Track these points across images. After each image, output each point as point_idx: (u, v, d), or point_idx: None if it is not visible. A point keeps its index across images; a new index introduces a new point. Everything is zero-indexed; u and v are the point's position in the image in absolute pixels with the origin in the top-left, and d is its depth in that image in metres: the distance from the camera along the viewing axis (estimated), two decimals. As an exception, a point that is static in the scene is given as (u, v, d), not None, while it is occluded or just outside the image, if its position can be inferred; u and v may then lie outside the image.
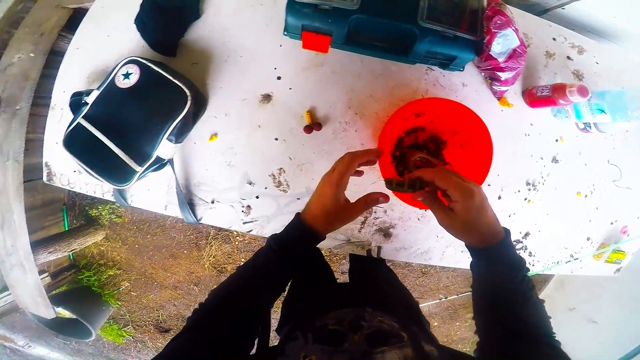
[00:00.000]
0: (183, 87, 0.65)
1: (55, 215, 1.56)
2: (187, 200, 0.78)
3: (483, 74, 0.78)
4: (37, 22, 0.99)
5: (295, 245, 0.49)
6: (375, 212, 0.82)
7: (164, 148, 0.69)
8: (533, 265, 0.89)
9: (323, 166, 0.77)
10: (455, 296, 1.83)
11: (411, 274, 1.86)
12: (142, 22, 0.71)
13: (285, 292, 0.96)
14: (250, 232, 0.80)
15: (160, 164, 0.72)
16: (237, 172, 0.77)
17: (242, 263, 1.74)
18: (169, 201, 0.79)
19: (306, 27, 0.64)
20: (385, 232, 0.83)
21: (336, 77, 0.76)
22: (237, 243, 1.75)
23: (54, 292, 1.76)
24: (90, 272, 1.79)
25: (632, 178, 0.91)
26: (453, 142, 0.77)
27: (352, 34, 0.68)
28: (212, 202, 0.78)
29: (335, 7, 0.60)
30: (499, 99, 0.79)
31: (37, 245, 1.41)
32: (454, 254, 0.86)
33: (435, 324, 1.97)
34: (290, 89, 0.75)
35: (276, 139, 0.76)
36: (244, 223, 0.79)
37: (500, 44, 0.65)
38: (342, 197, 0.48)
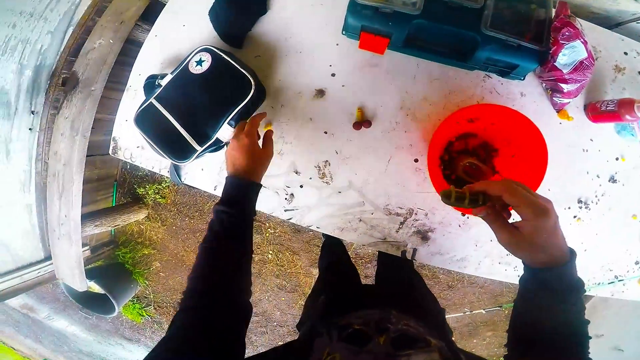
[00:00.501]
0: (248, 76, 0.70)
1: (106, 191, 1.69)
2: (236, 183, 0.82)
3: (544, 84, 0.76)
4: (118, 10, 1.10)
5: (241, 196, 0.56)
6: (416, 213, 0.82)
7: (224, 131, 0.74)
8: None
9: (368, 162, 0.79)
10: (481, 311, 1.74)
11: (437, 285, 1.81)
12: (215, 14, 0.78)
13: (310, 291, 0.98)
14: (290, 220, 0.83)
15: (218, 145, 0.77)
16: (285, 161, 0.80)
17: (271, 258, 1.79)
18: (219, 182, 0.84)
19: (365, 28, 0.66)
20: (424, 235, 0.83)
21: (390, 78, 0.78)
22: (267, 235, 1.80)
23: (90, 266, 1.88)
24: (127, 249, 1.91)
25: None
26: (505, 151, 0.76)
27: (412, 38, 0.69)
28: (259, 187, 0.82)
29: (397, 11, 0.62)
30: (558, 111, 0.77)
31: (86, 218, 1.52)
32: (490, 265, 0.83)
33: (453, 338, 1.88)
34: (343, 86, 0.78)
35: (325, 133, 0.79)
36: (285, 210, 0.82)
37: (567, 56, 0.63)
38: (257, 142, 0.61)
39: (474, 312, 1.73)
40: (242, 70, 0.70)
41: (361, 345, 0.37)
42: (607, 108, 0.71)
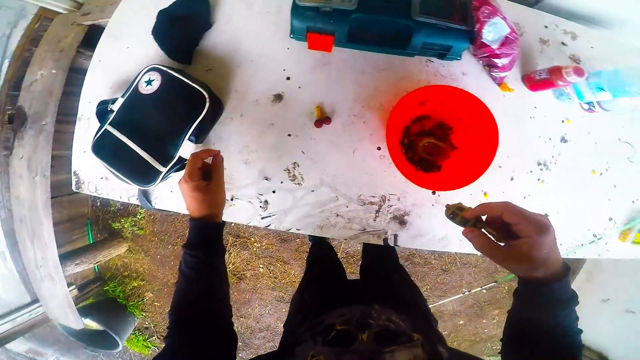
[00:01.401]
0: (201, 90, 0.70)
1: (81, 230, 1.63)
2: (208, 199, 0.82)
3: (481, 62, 0.81)
4: (55, 39, 1.06)
5: (200, 238, 0.56)
6: (389, 199, 0.84)
7: (186, 149, 0.74)
8: None
9: (334, 157, 0.80)
10: (479, 289, 1.78)
11: (431, 271, 1.85)
12: (159, 33, 0.78)
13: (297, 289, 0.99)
14: (269, 227, 0.83)
15: (182, 164, 0.77)
16: (253, 169, 0.81)
17: (263, 272, 1.78)
18: (191, 202, 0.83)
19: (310, 29, 0.69)
20: (401, 220, 0.85)
21: (342, 74, 0.81)
22: (255, 249, 1.79)
23: (82, 304, 1.83)
24: (115, 284, 1.85)
25: None
26: (459, 127, 0.79)
27: (353, 32, 0.72)
28: (232, 199, 0.82)
29: (336, 8, 0.65)
30: (499, 84, 0.82)
31: (65, 258, 1.47)
32: None
33: (462, 322, 1.93)
34: (299, 87, 0.80)
35: (289, 135, 0.80)
36: (262, 218, 0.82)
37: (492, 32, 0.68)
38: (200, 184, 0.57)
39: (472, 291, 1.77)
40: (193, 85, 0.70)
41: (345, 346, 0.37)
42: (541, 77, 0.77)
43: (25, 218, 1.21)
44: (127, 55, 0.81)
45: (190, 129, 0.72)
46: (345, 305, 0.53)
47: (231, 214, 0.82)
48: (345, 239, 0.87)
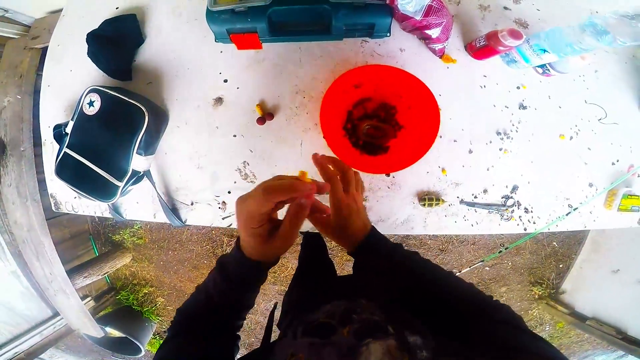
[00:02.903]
0: (138, 105, 0.75)
1: (85, 245, 1.78)
2: (170, 206, 0.88)
3: (415, 36, 0.80)
4: (12, 64, 1.10)
5: (240, 280, 0.46)
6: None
7: (137, 161, 0.80)
8: (534, 223, 0.85)
9: (283, 152, 0.83)
10: (480, 263, 1.75)
11: (429, 252, 1.84)
12: (94, 55, 0.83)
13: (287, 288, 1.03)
14: (231, 226, 0.88)
15: (137, 176, 0.83)
16: (206, 173, 0.85)
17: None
18: (156, 209, 0.89)
19: (231, 31, 0.71)
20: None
21: (279, 68, 0.83)
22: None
23: (101, 313, 2.00)
24: (127, 292, 2.00)
25: (618, 115, 0.86)
26: (401, 105, 0.79)
27: (275, 26, 0.74)
28: (192, 204, 0.88)
29: (251, 7, 0.67)
30: (440, 56, 0.80)
31: (73, 272, 1.61)
32: (437, 221, 0.86)
33: None
34: (238, 88, 0.83)
35: (234, 136, 0.84)
36: (223, 219, 0.88)
37: (413, 2, 0.67)
38: (260, 231, 0.42)
39: (472, 266, 1.75)
40: (131, 101, 0.75)
41: (325, 337, 0.38)
42: (481, 44, 0.75)
43: (27, 239, 1.34)
44: (72, 78, 0.88)
45: (135, 142, 0.77)
46: (332, 301, 0.52)
47: (193, 218, 0.88)
48: (310, 230, 0.90)
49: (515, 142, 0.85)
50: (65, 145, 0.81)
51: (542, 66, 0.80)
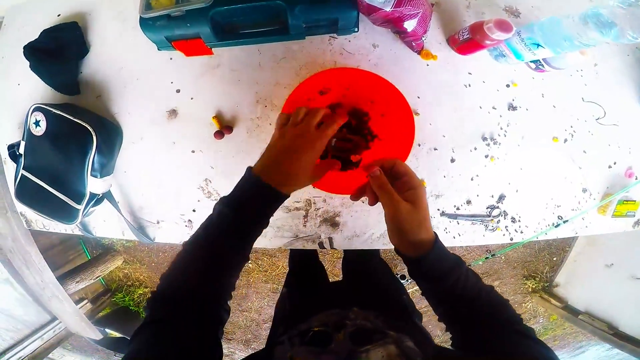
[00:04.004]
0: (85, 125, 0.71)
1: (76, 249, 1.81)
2: (136, 225, 0.86)
3: (388, 29, 0.71)
4: None
5: (253, 205, 0.43)
6: (314, 203, 0.82)
7: (94, 184, 0.77)
8: (522, 233, 0.80)
9: (246, 167, 0.79)
10: (478, 262, 1.73)
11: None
12: (36, 69, 0.78)
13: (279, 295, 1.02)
14: (198, 245, 0.86)
15: (97, 198, 0.80)
16: (168, 191, 0.82)
17: (252, 267, 1.87)
18: (124, 227, 0.87)
19: (171, 38, 0.65)
20: (332, 222, 0.83)
21: (236, 74, 0.76)
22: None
23: (100, 314, 2.07)
24: (123, 294, 2.06)
25: (617, 113, 0.78)
26: (374, 112, 0.73)
27: (226, 28, 0.67)
28: (158, 222, 0.85)
29: (189, 10, 0.60)
30: (419, 52, 0.72)
31: (64, 277, 1.66)
32: None
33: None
34: (192, 98, 0.77)
35: (193, 152, 0.79)
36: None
37: None
38: (310, 128, 0.46)
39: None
40: (75, 120, 0.71)
41: (323, 346, 0.39)
42: (464, 37, 0.66)
43: (13, 249, 1.36)
44: (20, 93, 0.84)
45: (87, 165, 0.73)
46: (325, 310, 0.54)
47: (162, 236, 0.86)
48: (280, 247, 0.86)
49: (503, 147, 0.78)
50: (22, 167, 0.79)
51: (535, 61, 0.71)
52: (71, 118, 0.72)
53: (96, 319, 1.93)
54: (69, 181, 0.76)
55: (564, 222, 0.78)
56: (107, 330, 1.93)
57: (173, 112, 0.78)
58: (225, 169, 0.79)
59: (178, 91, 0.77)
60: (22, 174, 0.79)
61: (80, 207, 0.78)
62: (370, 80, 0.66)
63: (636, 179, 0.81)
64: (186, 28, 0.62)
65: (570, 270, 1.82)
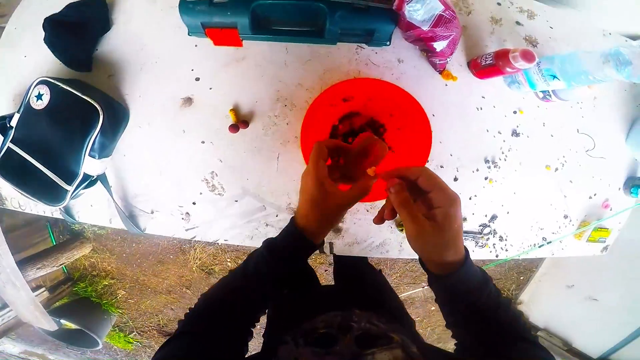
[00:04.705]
0: (93, 102, 0.68)
1: (41, 233, 1.68)
2: (128, 213, 0.82)
3: (417, 47, 0.75)
4: None
5: (287, 253, 0.49)
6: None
7: (89, 165, 0.73)
8: (506, 251, 0.87)
9: (256, 165, 0.78)
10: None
11: (400, 259, 1.87)
12: (51, 42, 0.74)
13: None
14: (195, 238, 0.83)
15: (90, 180, 0.76)
16: (169, 180, 0.79)
17: (231, 266, 1.83)
18: (112, 214, 0.83)
19: (207, 25, 0.64)
20: (336, 228, 0.84)
21: (260, 69, 0.76)
22: (220, 243, 1.82)
23: (56, 304, 1.92)
24: (85, 284, 1.93)
25: (606, 147, 0.87)
26: (391, 124, 0.76)
27: (261, 22, 0.67)
28: (152, 212, 0.82)
29: (233, -1, 0.60)
30: (440, 72, 0.76)
31: (25, 262, 1.53)
32: None
33: (433, 308, 1.99)
34: (210, 88, 0.76)
35: (203, 142, 0.77)
36: (186, 230, 0.82)
37: (420, 10, 0.62)
38: (325, 183, 0.45)
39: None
40: (83, 97, 0.68)
41: (328, 347, 0.38)
42: (487, 62, 0.71)
43: (-28, 229, 1.23)
44: (25, 65, 0.79)
45: (87, 144, 0.70)
46: (324, 312, 0.53)
47: (153, 227, 0.83)
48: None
49: (502, 171, 0.84)
50: (10, 140, 0.73)
51: (544, 91, 0.77)
52: (79, 94, 0.68)
53: (52, 309, 1.79)
54: (63, 159, 0.71)
55: (548, 243, 0.86)
56: (62, 322, 1.80)
57: (188, 100, 0.76)
58: (234, 164, 0.78)
59: (197, 79, 0.76)
60: (8, 146, 0.73)
61: (70, 188, 0.73)
62: (394, 93, 0.68)
63: (611, 210, 0.90)
64: (226, 16, 0.62)
65: (534, 289, 1.95)
